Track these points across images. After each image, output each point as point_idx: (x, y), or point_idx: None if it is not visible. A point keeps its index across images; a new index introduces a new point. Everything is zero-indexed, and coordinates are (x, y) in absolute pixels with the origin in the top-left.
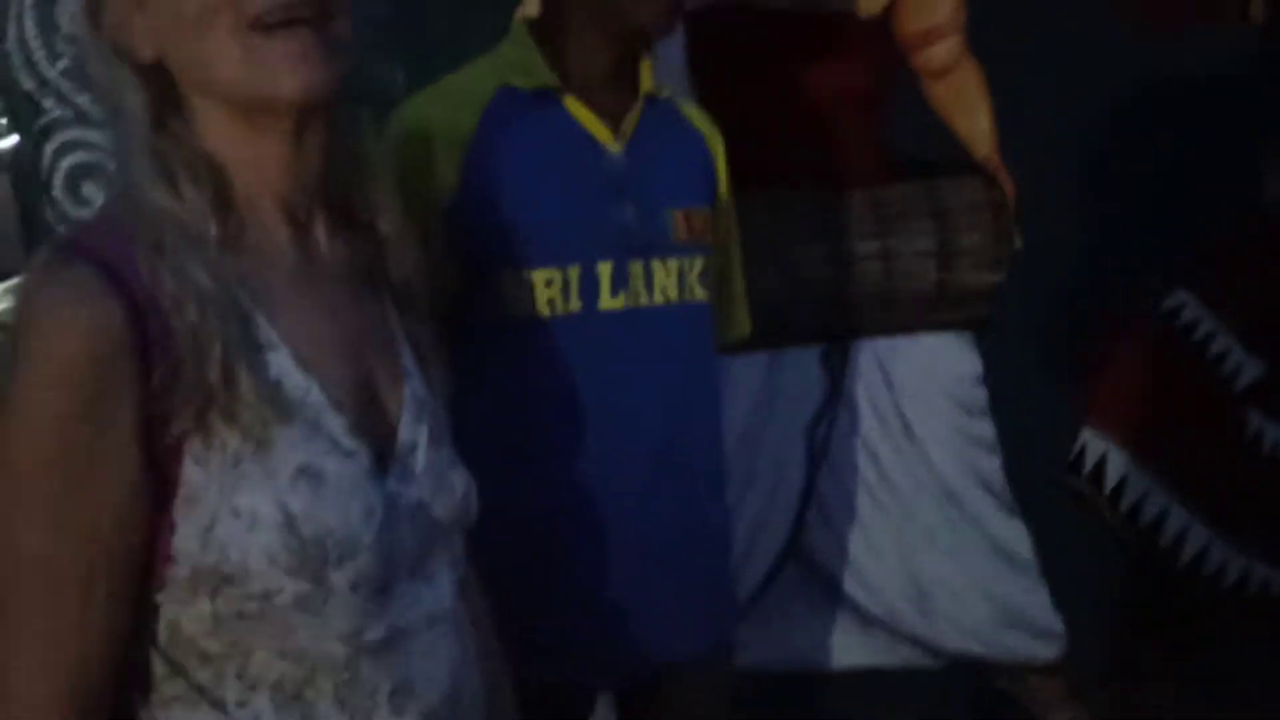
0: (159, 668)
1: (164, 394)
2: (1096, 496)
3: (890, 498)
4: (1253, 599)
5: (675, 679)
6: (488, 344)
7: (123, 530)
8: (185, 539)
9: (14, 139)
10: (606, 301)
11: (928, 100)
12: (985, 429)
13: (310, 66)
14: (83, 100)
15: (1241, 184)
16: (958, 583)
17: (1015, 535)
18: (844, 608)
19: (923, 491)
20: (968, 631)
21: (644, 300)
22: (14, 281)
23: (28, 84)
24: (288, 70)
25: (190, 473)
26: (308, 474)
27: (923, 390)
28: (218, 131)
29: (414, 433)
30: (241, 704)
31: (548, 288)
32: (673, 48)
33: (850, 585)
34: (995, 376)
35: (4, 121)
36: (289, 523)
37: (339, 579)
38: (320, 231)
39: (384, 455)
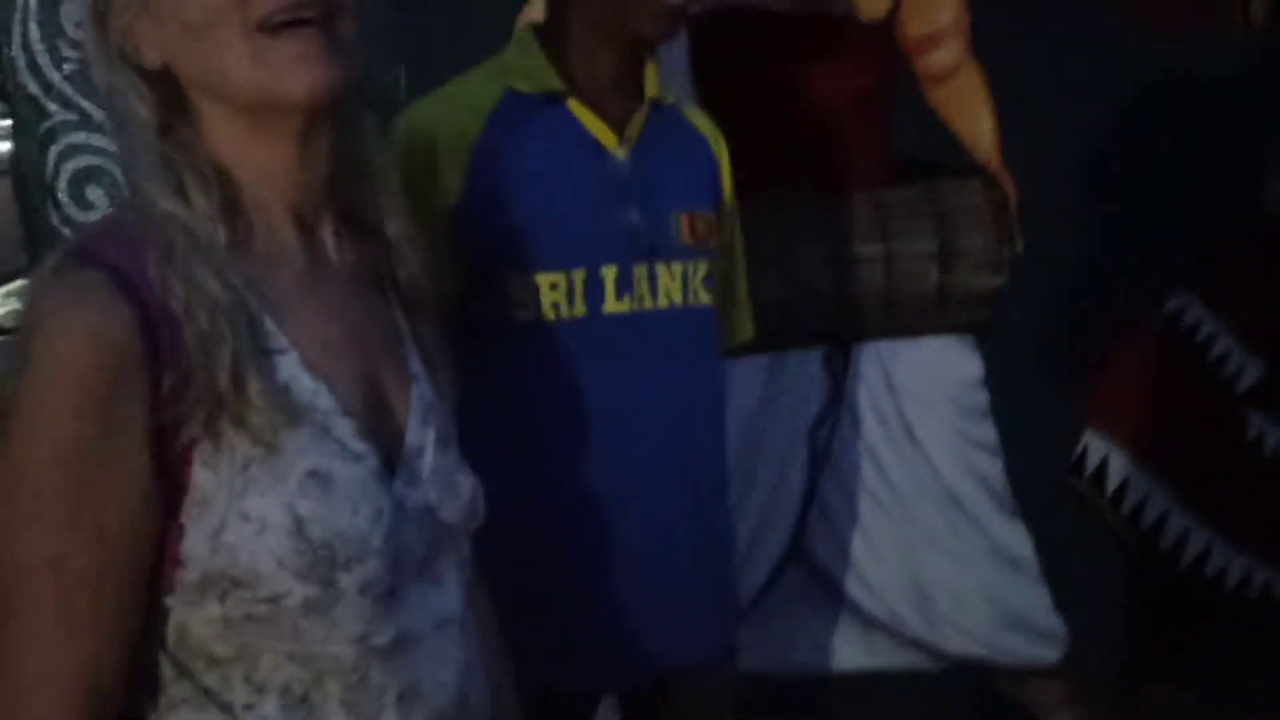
0: (167, 671)
1: (174, 400)
2: (1098, 499)
3: (892, 500)
4: (1254, 601)
5: (678, 682)
6: (493, 347)
7: (132, 534)
8: (194, 543)
9: (12, 143)
10: (611, 305)
11: (929, 103)
12: (987, 431)
13: (317, 66)
14: (87, 104)
15: (1242, 186)
16: (959, 585)
17: (1017, 538)
18: (845, 610)
19: (924, 494)
20: (969, 634)
21: (648, 304)
22: (14, 285)
23: (32, 88)
24: (295, 70)
25: (199, 477)
26: (316, 477)
27: (924, 393)
28: (225, 136)
29: (421, 436)
30: (249, 707)
31: (552, 291)
32: (675, 50)
33: (852, 588)
34: (997, 379)
35: (6, 123)
36: (298, 526)
37: (347, 582)
38: (327, 235)
39: (392, 458)
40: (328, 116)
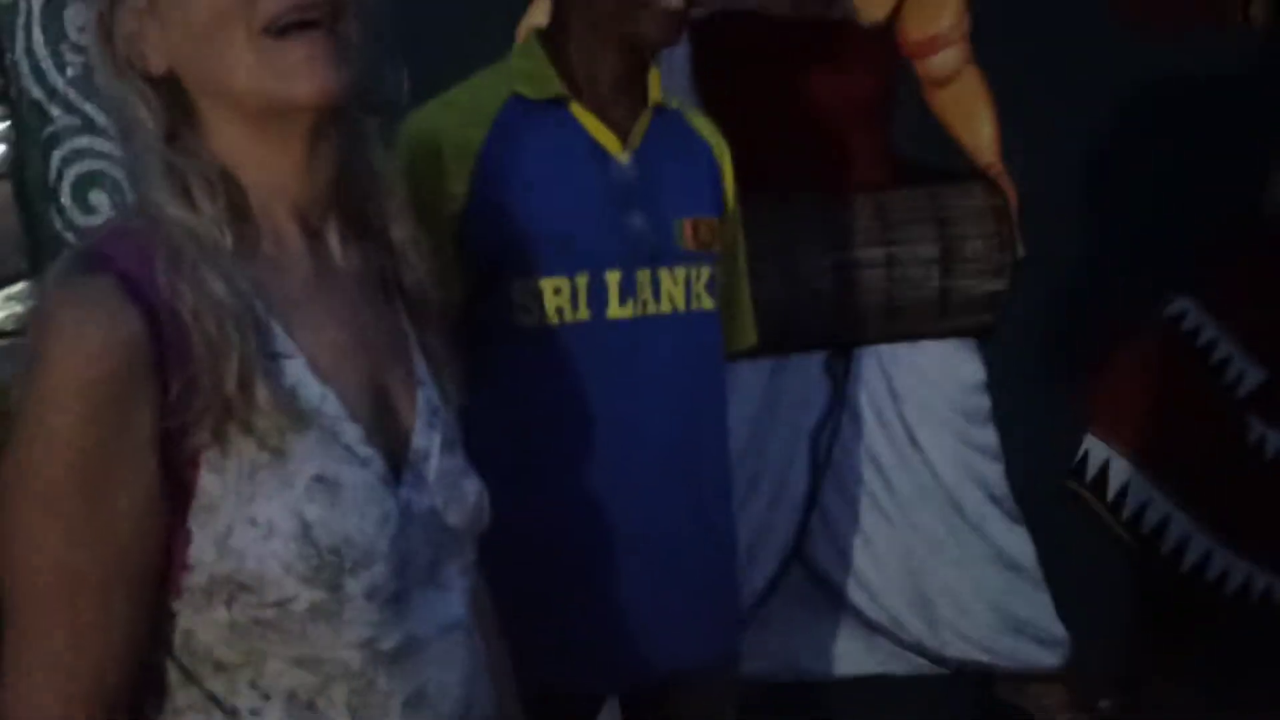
0: (173, 676)
1: (182, 405)
2: (1099, 503)
3: (893, 505)
4: (1255, 605)
5: (682, 686)
6: (497, 351)
7: (140, 538)
8: (202, 547)
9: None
10: (615, 310)
11: (931, 107)
12: (988, 436)
13: (324, 69)
14: (90, 108)
15: (1243, 191)
16: (961, 590)
17: (1018, 542)
18: (847, 615)
19: (925, 499)
20: (970, 638)
21: (651, 309)
22: (14, 289)
23: (35, 93)
24: (303, 73)
25: (207, 482)
26: (323, 482)
27: (926, 397)
28: (230, 140)
29: (427, 440)
30: (255, 712)
31: (556, 296)
32: (677, 54)
33: (853, 592)
34: (998, 383)
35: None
36: (305, 531)
37: (354, 587)
38: (334, 240)
39: (398, 463)
40: (333, 120)
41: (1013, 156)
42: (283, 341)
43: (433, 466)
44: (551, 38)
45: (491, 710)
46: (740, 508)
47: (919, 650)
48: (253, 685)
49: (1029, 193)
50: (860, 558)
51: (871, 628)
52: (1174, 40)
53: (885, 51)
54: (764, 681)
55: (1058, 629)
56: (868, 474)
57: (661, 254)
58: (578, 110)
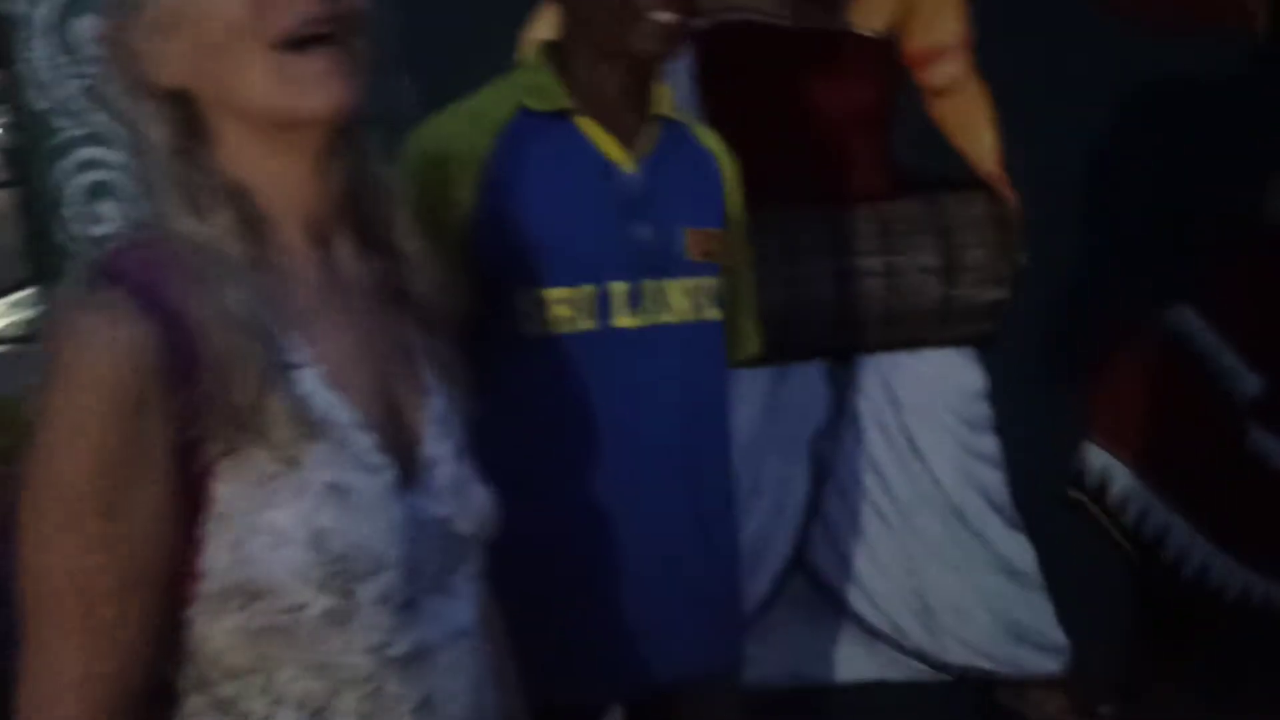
0: (185, 682)
1: (196, 416)
2: (1100, 511)
3: (894, 512)
4: (1255, 613)
5: (686, 694)
6: (502, 360)
7: (155, 547)
8: (215, 555)
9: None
10: (620, 320)
11: (932, 116)
12: (989, 444)
13: (338, 82)
14: (97, 119)
15: (1244, 199)
16: (961, 597)
17: (1019, 550)
18: (848, 622)
19: (926, 505)
20: (971, 645)
21: (657, 319)
22: (16, 297)
23: (41, 104)
24: (317, 87)
25: (220, 490)
26: (335, 491)
27: (927, 405)
28: (242, 153)
29: (437, 448)
30: (266, 718)
31: (562, 306)
32: (679, 65)
33: (854, 599)
34: (999, 391)
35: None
36: (317, 539)
37: (365, 593)
38: (343, 251)
39: (408, 471)
40: (344, 133)
41: (1013, 165)
42: (295, 352)
43: (442, 474)
44: (558, 51)
45: (499, 715)
46: (742, 515)
47: (920, 657)
48: (264, 691)
49: (1030, 201)
50: (861, 565)
51: (873, 634)
52: (1174, 47)
53: (886, 61)
54: (766, 688)
55: (1058, 635)
56: (869, 481)
57: (667, 265)
58: (584, 123)
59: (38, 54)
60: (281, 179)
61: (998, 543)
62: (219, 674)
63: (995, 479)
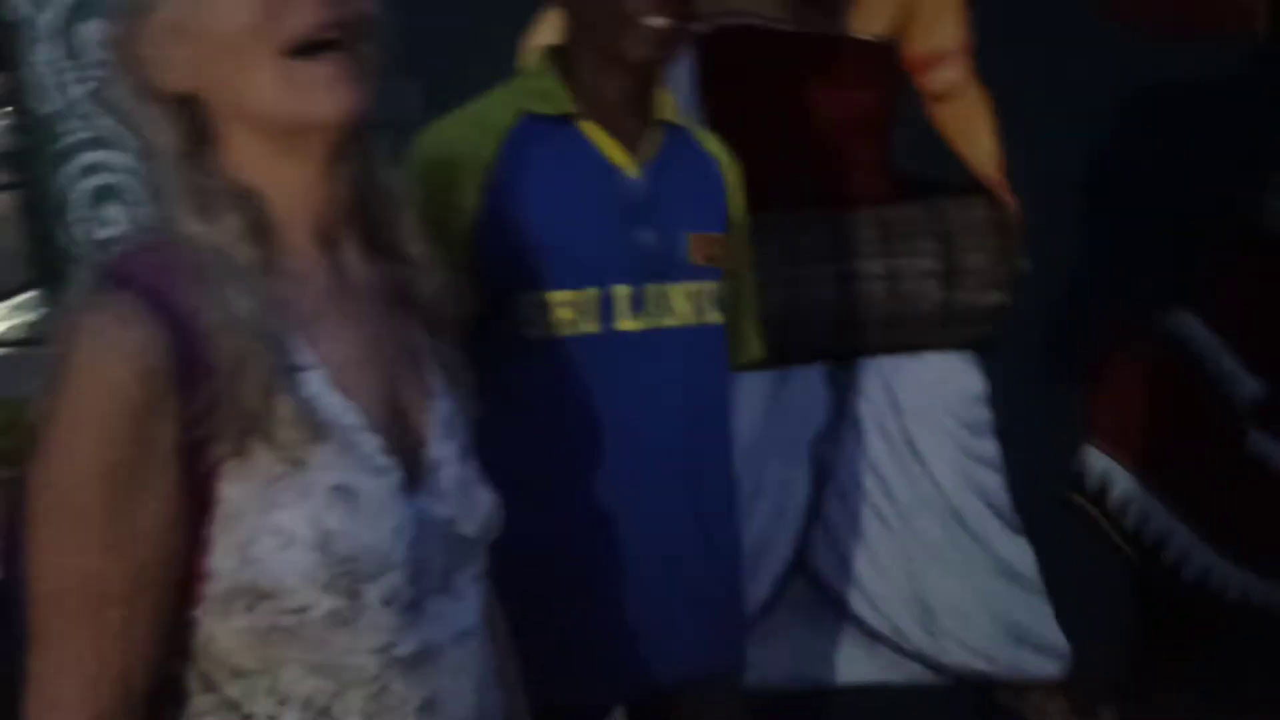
0: (192, 682)
1: (204, 418)
2: (1100, 514)
3: (895, 515)
4: (1255, 616)
5: (688, 696)
6: (506, 363)
7: (163, 548)
8: (222, 556)
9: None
10: (623, 323)
11: (932, 121)
12: (989, 447)
13: (347, 89)
14: (103, 123)
15: (1244, 203)
16: (962, 600)
17: (1019, 553)
18: (848, 624)
19: (927, 509)
20: (972, 648)
21: (659, 322)
22: (18, 300)
23: (47, 107)
24: (326, 93)
25: (228, 492)
26: (342, 492)
27: (927, 409)
28: (251, 158)
29: (442, 450)
30: (271, 718)
31: (565, 309)
32: (680, 68)
33: (855, 602)
34: (999, 395)
35: None
36: (324, 540)
37: (371, 594)
38: (350, 254)
39: (414, 473)
40: (352, 139)
41: (1014, 169)
42: (302, 354)
43: (447, 476)
44: (562, 56)
45: (501, 717)
46: (743, 517)
47: (920, 659)
48: (270, 691)
49: (1030, 205)
50: (862, 567)
51: (873, 637)
52: (1174, 51)
53: (887, 66)
54: (766, 690)
55: (1058, 639)
56: (869, 484)
57: (670, 269)
58: (588, 127)
59: (43, 57)
60: (289, 183)
61: (998, 546)
62: (225, 674)
63: (995, 482)
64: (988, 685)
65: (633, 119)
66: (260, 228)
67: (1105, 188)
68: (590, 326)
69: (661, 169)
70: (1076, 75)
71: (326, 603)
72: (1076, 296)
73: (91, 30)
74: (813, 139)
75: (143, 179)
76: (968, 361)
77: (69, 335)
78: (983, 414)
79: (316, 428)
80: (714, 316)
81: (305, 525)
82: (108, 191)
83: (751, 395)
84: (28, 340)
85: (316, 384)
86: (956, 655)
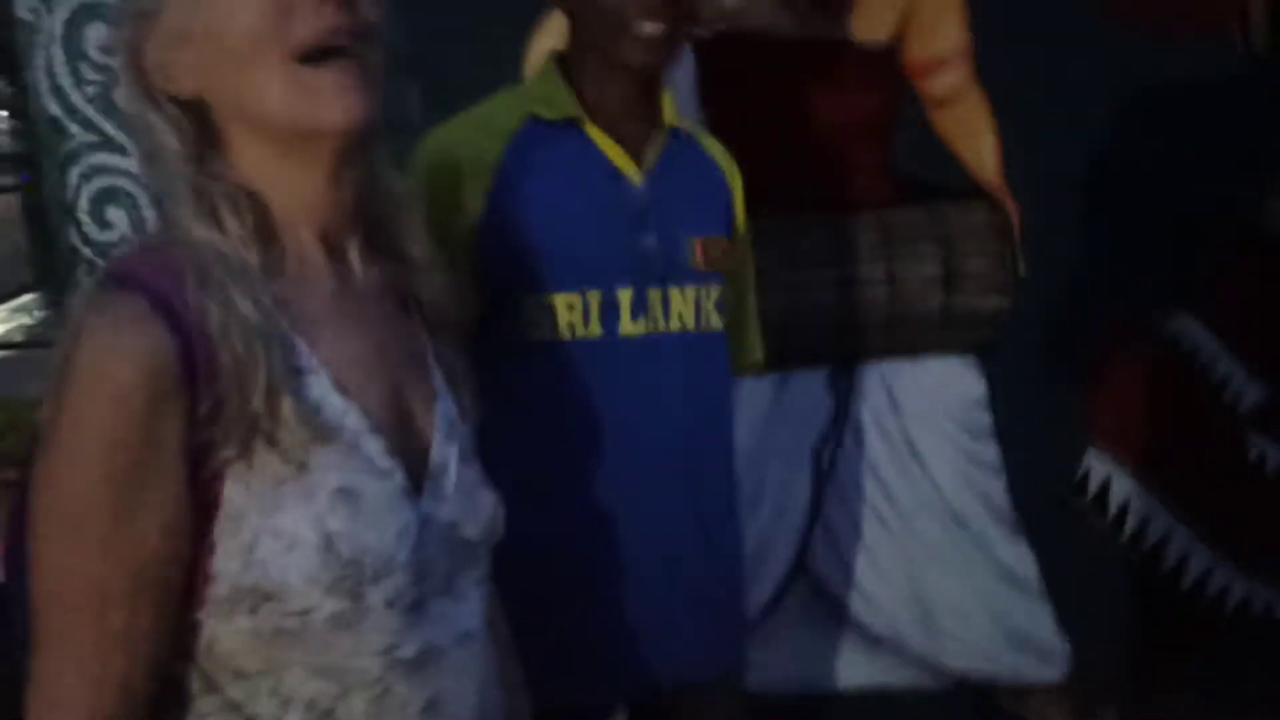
0: (195, 684)
1: (209, 421)
2: (1100, 518)
3: (895, 519)
4: (1256, 621)
5: (688, 698)
6: (508, 365)
7: (167, 551)
8: (226, 559)
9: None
10: (626, 327)
11: (933, 126)
12: (990, 451)
13: (355, 96)
14: (109, 126)
15: (1244, 207)
16: (962, 604)
17: (1019, 557)
18: (849, 627)
19: (927, 513)
20: (972, 652)
21: (661, 327)
22: (20, 301)
23: (54, 110)
24: (334, 100)
25: (231, 494)
26: (345, 495)
27: (928, 413)
28: (257, 162)
29: (446, 452)
30: None
31: (568, 312)
32: (682, 73)
33: (856, 606)
34: (1000, 399)
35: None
36: (328, 542)
37: (375, 596)
38: (354, 257)
39: (417, 475)
40: (359, 144)
41: (1013, 171)
42: (306, 357)
43: (451, 479)
44: (566, 60)
45: (502, 719)
46: (743, 521)
47: (921, 663)
48: (273, 693)
49: (1030, 208)
50: (862, 571)
51: (873, 640)
52: (1174, 52)
53: (888, 71)
54: (767, 694)
55: (1059, 642)
56: (870, 488)
57: (673, 273)
58: (593, 131)
59: (48, 61)
60: (296, 187)
61: (998, 549)
62: (228, 676)
63: (996, 486)
64: (988, 689)
65: (636, 123)
66: (266, 231)
67: (1105, 188)
68: (593, 329)
69: (664, 173)
70: (1076, 75)
71: (330, 605)
72: (1076, 298)
73: (96, 34)
74: (813, 143)
75: (147, 182)
76: (968, 365)
77: (74, 337)
78: (983, 418)
79: (320, 430)
80: (716, 322)
81: (309, 528)
82: (111, 194)
83: (753, 398)
84: (29, 342)
85: (320, 387)
86: (957, 658)
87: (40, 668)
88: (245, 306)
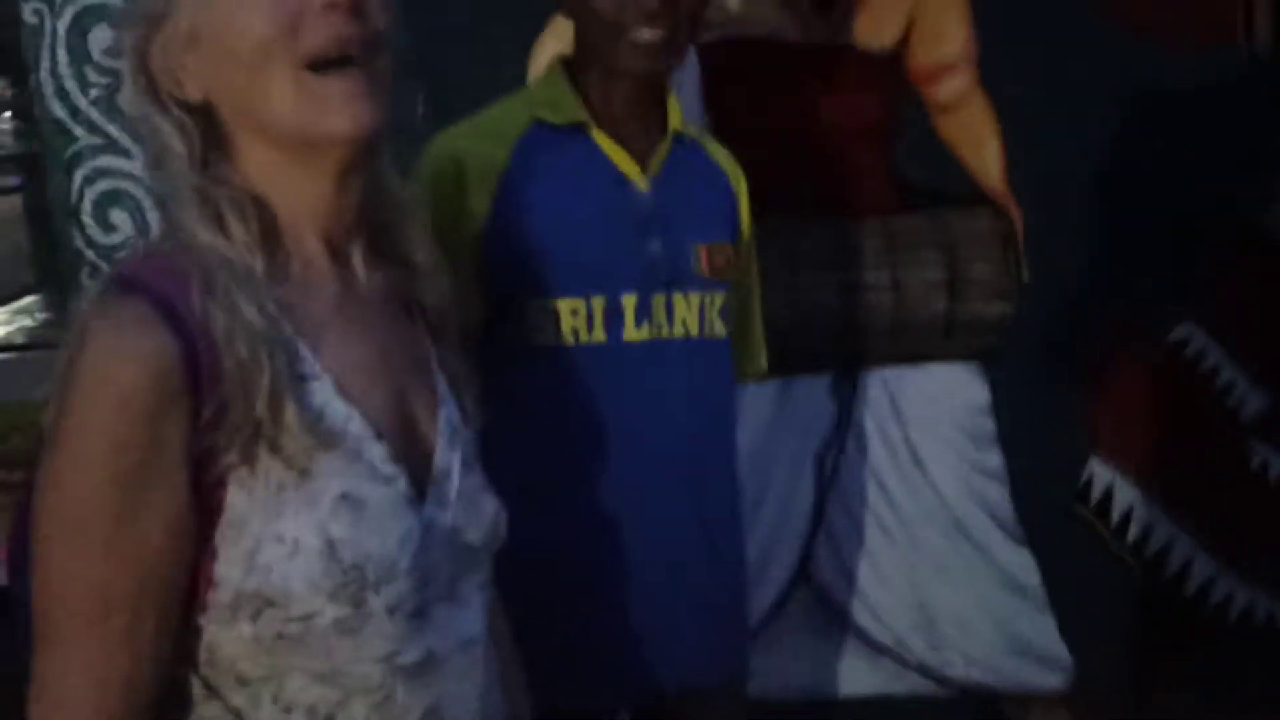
0: (197, 690)
1: (213, 426)
2: (1103, 526)
3: (898, 526)
4: (1259, 629)
5: (691, 704)
6: (512, 370)
7: (170, 555)
8: (228, 564)
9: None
10: (630, 333)
11: (937, 132)
12: (993, 458)
13: (363, 104)
14: (113, 128)
15: (1248, 213)
16: (965, 611)
17: (1022, 564)
18: (851, 635)
19: (930, 520)
20: (975, 660)
21: (665, 333)
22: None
23: (59, 113)
24: (341, 108)
25: (234, 500)
26: (348, 501)
27: (931, 419)
28: (263, 168)
29: (449, 458)
30: None
31: (573, 317)
32: (687, 79)
33: (857, 613)
34: (1003, 406)
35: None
36: (330, 548)
37: (377, 602)
38: (358, 262)
39: (421, 481)
40: (365, 152)
41: (1016, 176)
42: (310, 363)
43: (453, 485)
44: (572, 65)
45: None
46: (746, 528)
47: (923, 671)
48: (275, 699)
49: (1034, 216)
50: (865, 578)
51: (876, 648)
52: (1174, 53)
53: (892, 77)
54: (769, 700)
55: (1061, 651)
56: (873, 495)
57: (677, 279)
58: (599, 136)
59: (54, 63)
60: (301, 193)
61: (1001, 557)
62: (230, 682)
63: (999, 493)
64: (990, 697)
65: (641, 129)
66: (271, 236)
67: (1106, 191)
68: (597, 335)
69: (670, 179)
70: (1077, 77)
71: (332, 611)
72: (1080, 307)
73: (101, 37)
74: (817, 149)
75: (152, 186)
76: (972, 372)
77: (78, 340)
78: (986, 425)
79: (323, 436)
80: (719, 328)
81: (311, 533)
82: (114, 197)
83: (756, 404)
84: (31, 344)
85: (324, 392)
86: (959, 667)
87: (44, 669)
88: (249, 311)
